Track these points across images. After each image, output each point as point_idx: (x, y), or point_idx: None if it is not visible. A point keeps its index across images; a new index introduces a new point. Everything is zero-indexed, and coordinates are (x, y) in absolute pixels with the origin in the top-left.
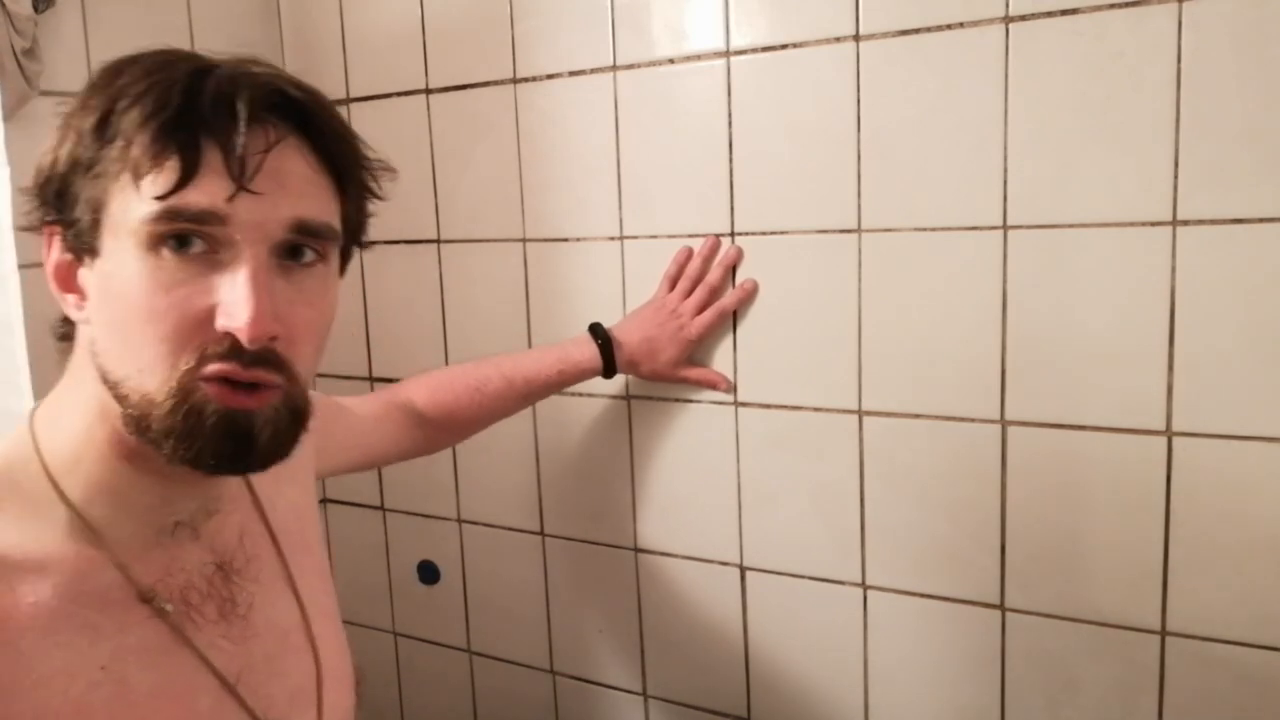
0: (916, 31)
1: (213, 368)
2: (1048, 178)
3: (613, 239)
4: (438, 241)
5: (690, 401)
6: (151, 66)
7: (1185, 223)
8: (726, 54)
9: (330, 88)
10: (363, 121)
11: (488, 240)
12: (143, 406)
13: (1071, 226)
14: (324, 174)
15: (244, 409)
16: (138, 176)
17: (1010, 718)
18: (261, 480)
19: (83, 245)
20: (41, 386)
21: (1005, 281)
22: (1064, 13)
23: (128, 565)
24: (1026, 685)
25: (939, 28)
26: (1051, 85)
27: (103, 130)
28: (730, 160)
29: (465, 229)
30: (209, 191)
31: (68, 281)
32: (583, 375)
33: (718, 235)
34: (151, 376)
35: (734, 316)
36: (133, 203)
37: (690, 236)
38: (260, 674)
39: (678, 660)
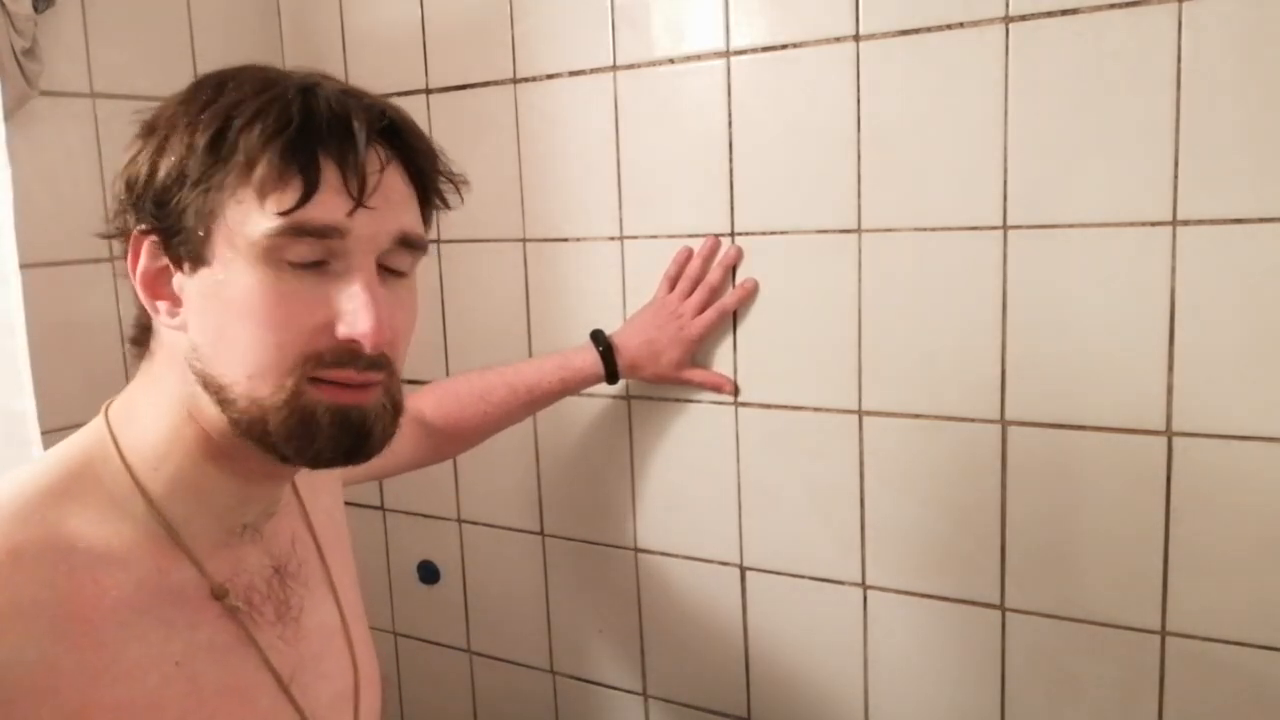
0: (916, 31)
1: (331, 373)
2: (1048, 178)
3: (613, 239)
4: (438, 241)
5: (690, 401)
6: (258, 84)
7: (1185, 223)
8: (726, 54)
9: None
10: None
11: (488, 240)
12: (253, 411)
13: (1071, 226)
14: (414, 189)
15: (356, 404)
16: (262, 194)
17: (1010, 718)
18: (304, 485)
19: (188, 254)
20: (42, 386)
21: (1005, 281)
22: (1064, 13)
23: (202, 563)
24: (1026, 685)
25: (939, 28)
26: (1051, 85)
27: (217, 146)
28: (730, 160)
29: (465, 229)
30: (329, 207)
31: (158, 288)
32: (585, 382)
33: (718, 235)
34: (264, 383)
35: (734, 316)
36: (254, 217)
37: (690, 236)
38: (310, 674)
39: (678, 660)
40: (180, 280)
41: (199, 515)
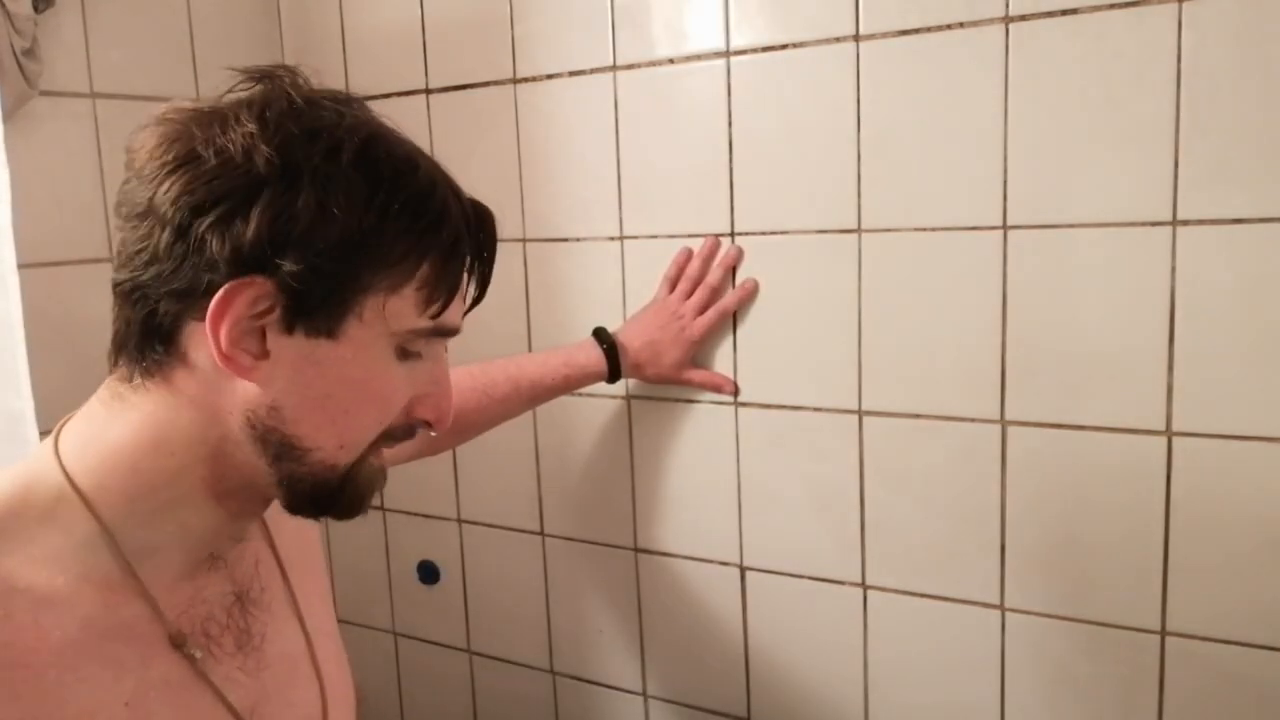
0: (916, 31)
1: (395, 445)
2: (1048, 178)
3: (613, 239)
4: None
5: (690, 402)
6: (421, 172)
7: (1185, 223)
8: (726, 54)
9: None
10: None
11: None
12: (324, 474)
13: (1071, 226)
14: None
15: (385, 465)
16: (423, 296)
17: (1010, 718)
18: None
19: (309, 320)
20: (41, 386)
21: (1005, 281)
22: (1064, 13)
23: (158, 596)
24: (1026, 685)
25: (939, 28)
26: (1051, 85)
27: (392, 233)
28: (730, 160)
29: None
30: (457, 312)
31: (243, 337)
32: (588, 380)
33: (718, 235)
34: (350, 453)
35: (734, 317)
36: (408, 314)
37: (690, 236)
38: (273, 705)
39: (678, 660)
40: (279, 339)
41: (166, 547)
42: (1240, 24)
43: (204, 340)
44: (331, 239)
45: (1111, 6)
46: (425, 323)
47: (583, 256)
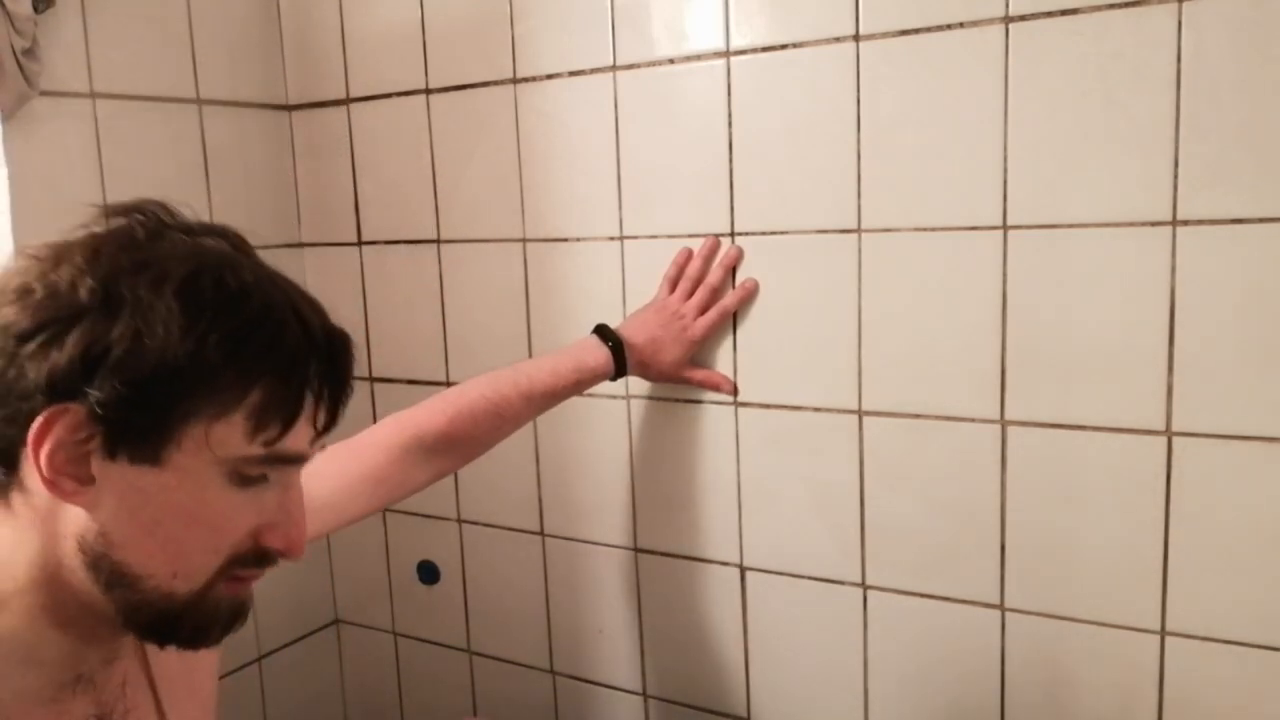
0: (916, 31)
1: (247, 572)
2: (1048, 178)
3: (613, 239)
4: (438, 241)
5: (690, 401)
6: (257, 292)
7: (1185, 223)
8: (726, 54)
9: (330, 88)
10: (363, 121)
11: (488, 240)
12: (160, 604)
13: (1071, 226)
14: None
15: (247, 596)
16: (253, 422)
17: (1010, 718)
18: None
19: (131, 447)
20: None
21: (1005, 281)
22: (1064, 13)
23: None
24: (1026, 685)
25: (939, 28)
26: (1051, 85)
27: (214, 356)
28: (730, 160)
29: (465, 229)
30: (301, 438)
31: (66, 464)
32: (596, 381)
33: (717, 235)
34: (187, 582)
35: (734, 317)
36: (235, 440)
37: (690, 236)
38: None
39: (678, 660)
40: (104, 465)
41: (20, 672)
42: (1240, 24)
43: (32, 465)
44: (145, 368)
45: (1111, 6)
46: (257, 449)
47: (583, 256)
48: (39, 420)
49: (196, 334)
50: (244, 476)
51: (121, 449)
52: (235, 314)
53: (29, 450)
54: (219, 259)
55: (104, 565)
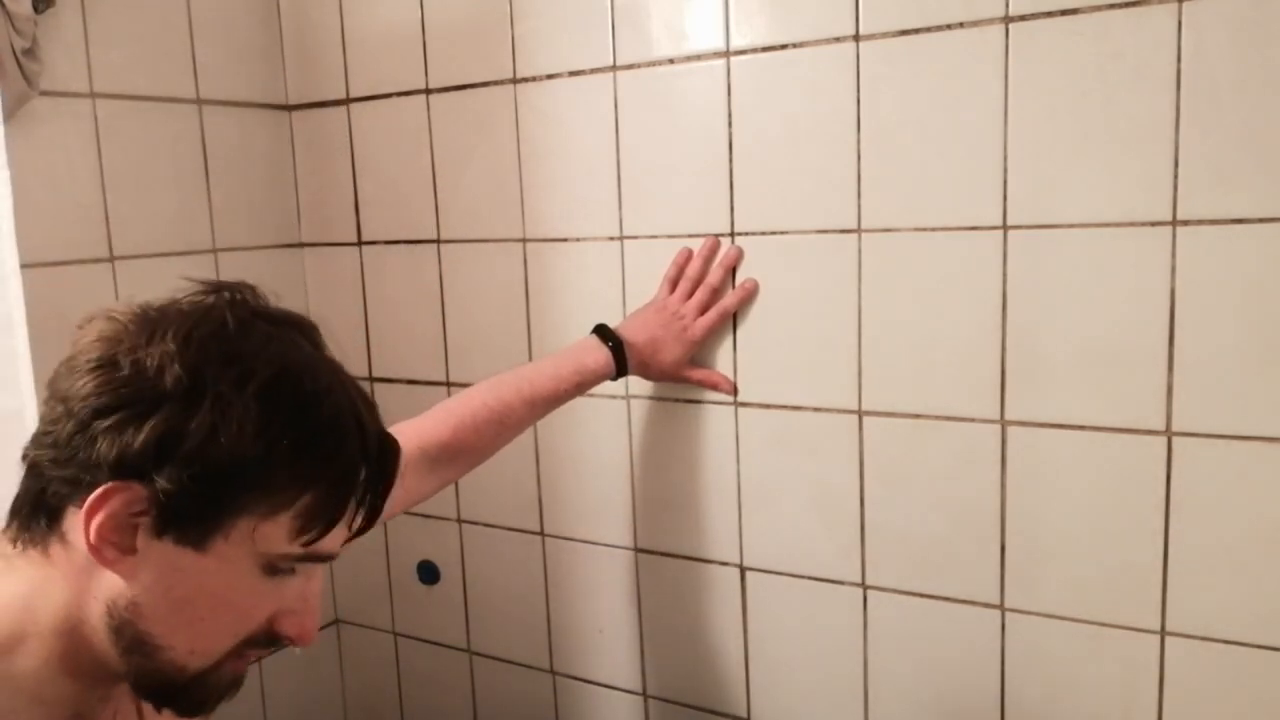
0: (916, 31)
1: (255, 652)
2: (1048, 178)
3: (613, 239)
4: (438, 241)
5: (690, 401)
6: (330, 414)
7: (1185, 223)
8: (726, 54)
9: (330, 88)
10: (362, 121)
11: (488, 240)
12: (170, 674)
13: (1072, 226)
14: None
15: (244, 671)
16: (300, 524)
17: (1010, 718)
18: None
19: (180, 530)
20: (41, 386)
21: (1005, 281)
22: (1064, 13)
23: None
24: (1026, 685)
25: (939, 28)
26: (1051, 85)
27: (278, 462)
28: (730, 160)
29: (465, 229)
30: (337, 539)
31: (117, 534)
32: (598, 380)
33: (717, 235)
34: (202, 659)
35: (734, 317)
36: (279, 538)
37: (690, 236)
38: None
39: (678, 660)
40: (149, 541)
41: (27, 711)
42: (1240, 24)
43: (81, 526)
44: (213, 463)
45: (1111, 6)
46: (296, 549)
47: (583, 256)
48: (99, 491)
49: (269, 438)
50: (275, 569)
51: (170, 530)
52: (306, 422)
53: (81, 514)
54: (300, 362)
55: (127, 631)
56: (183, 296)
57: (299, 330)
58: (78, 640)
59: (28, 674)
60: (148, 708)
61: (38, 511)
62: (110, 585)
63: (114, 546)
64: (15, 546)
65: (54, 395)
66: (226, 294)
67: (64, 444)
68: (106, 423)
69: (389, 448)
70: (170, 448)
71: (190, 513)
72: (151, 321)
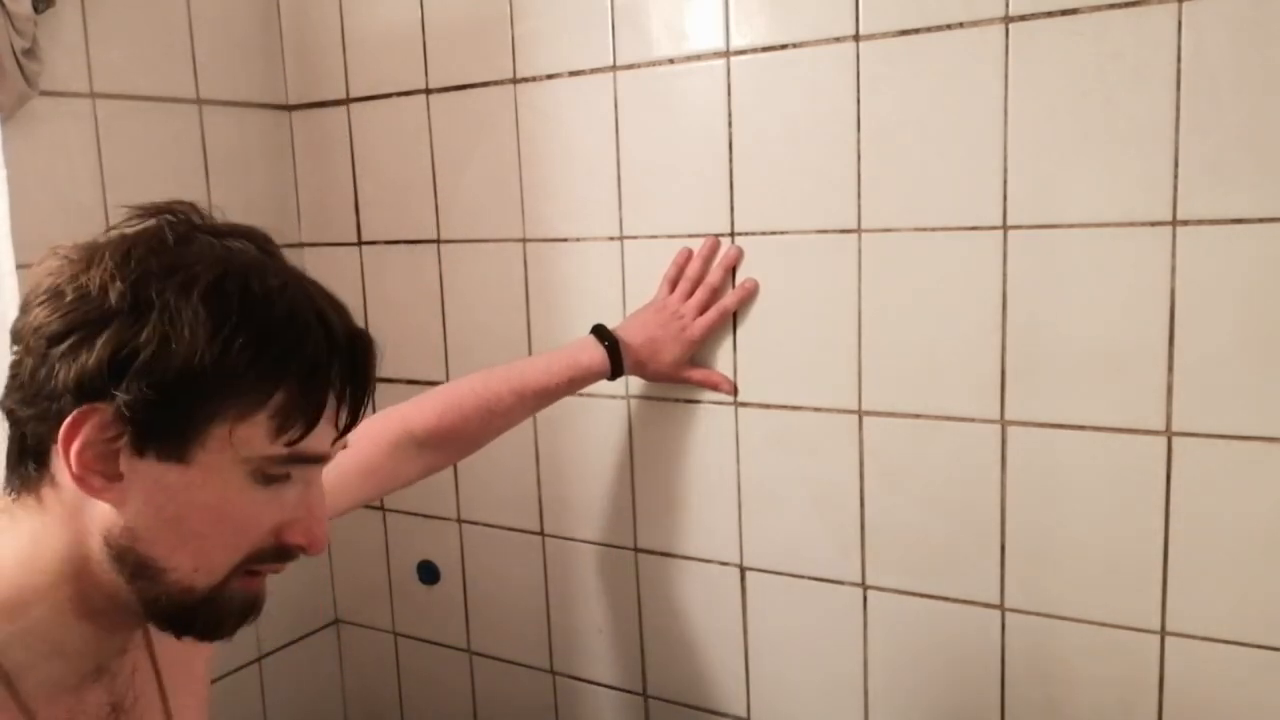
0: (916, 31)
1: (265, 567)
2: (1048, 178)
3: (612, 239)
4: (438, 241)
5: (690, 402)
6: (283, 299)
7: (1185, 223)
8: (726, 54)
9: (330, 88)
10: (363, 121)
11: (488, 240)
12: (180, 596)
13: (1071, 226)
14: None
15: (261, 590)
16: (276, 423)
17: (1010, 718)
18: None
19: (160, 445)
20: None
21: (1005, 281)
22: (1064, 13)
23: (35, 711)
24: (1026, 685)
25: (939, 28)
26: (1051, 85)
27: (240, 358)
28: (730, 160)
29: (465, 229)
30: (323, 438)
31: (96, 461)
32: (591, 380)
33: (717, 235)
34: (208, 575)
35: (734, 317)
36: (259, 441)
37: (690, 236)
38: None
39: (678, 660)
40: (132, 462)
41: (47, 663)
42: (1240, 24)
43: (63, 461)
44: (171, 371)
45: (1111, 6)
46: (280, 449)
47: (582, 256)
48: (69, 419)
49: (222, 338)
50: (267, 475)
51: (149, 447)
52: (260, 318)
53: (59, 447)
54: (245, 263)
55: (129, 558)
56: (112, 226)
57: (248, 239)
58: (86, 581)
59: (44, 626)
60: (164, 660)
61: (24, 457)
62: (104, 516)
63: (99, 475)
64: (14, 498)
65: (13, 339)
66: (168, 215)
67: (28, 382)
68: (60, 349)
69: (360, 339)
70: (125, 362)
71: (161, 425)
72: (92, 249)
